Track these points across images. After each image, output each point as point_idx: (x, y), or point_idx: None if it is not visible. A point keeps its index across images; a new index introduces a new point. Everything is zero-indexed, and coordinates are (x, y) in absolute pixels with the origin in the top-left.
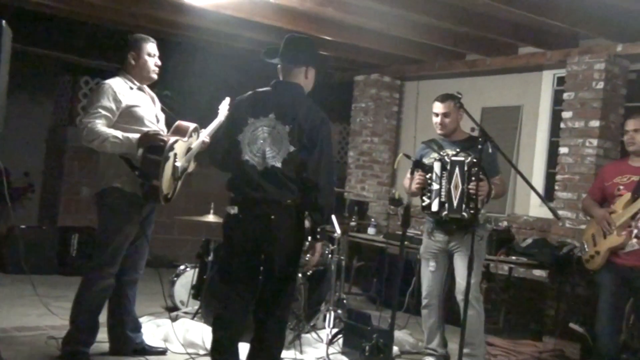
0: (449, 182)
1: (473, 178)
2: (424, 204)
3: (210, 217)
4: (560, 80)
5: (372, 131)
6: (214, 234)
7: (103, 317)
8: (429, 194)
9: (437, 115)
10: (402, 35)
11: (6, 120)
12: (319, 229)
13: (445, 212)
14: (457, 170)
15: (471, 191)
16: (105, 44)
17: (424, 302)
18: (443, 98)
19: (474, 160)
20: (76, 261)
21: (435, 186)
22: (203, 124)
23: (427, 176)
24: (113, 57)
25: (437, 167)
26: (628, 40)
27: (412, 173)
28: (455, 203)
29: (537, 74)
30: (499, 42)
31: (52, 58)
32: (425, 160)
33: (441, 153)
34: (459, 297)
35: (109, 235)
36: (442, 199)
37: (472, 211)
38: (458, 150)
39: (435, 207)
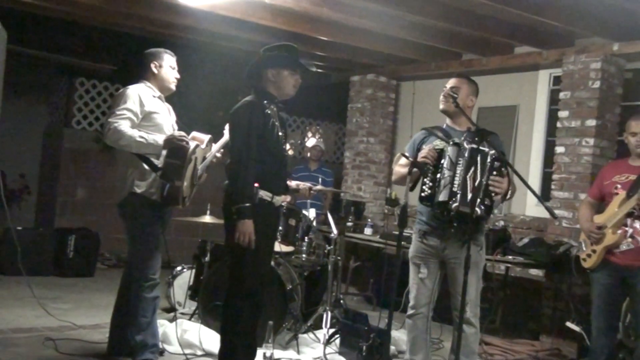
0: (466, 171)
1: (495, 172)
2: (423, 193)
3: (207, 218)
4: (557, 80)
5: (369, 131)
6: (211, 234)
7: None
8: (430, 183)
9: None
10: (398, 36)
11: (1, 122)
12: (234, 208)
13: (456, 204)
14: (478, 160)
15: (490, 187)
16: (101, 45)
17: (411, 311)
18: (457, 75)
19: (499, 154)
20: (73, 262)
21: (447, 173)
22: (199, 125)
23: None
24: (109, 58)
25: (451, 152)
26: (624, 39)
27: (409, 173)
28: (469, 195)
29: (533, 74)
30: (495, 42)
31: (47, 60)
32: (426, 147)
33: (454, 140)
34: (457, 313)
35: (139, 242)
36: (455, 189)
37: (485, 210)
38: (470, 139)
39: (444, 196)
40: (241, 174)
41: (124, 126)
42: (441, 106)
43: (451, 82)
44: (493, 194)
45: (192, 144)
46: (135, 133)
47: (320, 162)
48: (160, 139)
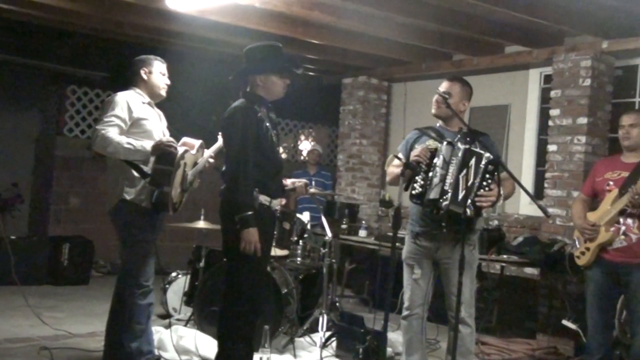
0: (459, 170)
1: (487, 176)
2: (414, 191)
3: (201, 224)
4: (547, 78)
5: (361, 133)
6: (205, 240)
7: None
8: (422, 182)
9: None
10: (388, 37)
11: None
12: (237, 218)
13: (446, 203)
14: (473, 161)
15: (477, 200)
16: (92, 52)
17: (405, 312)
18: (450, 78)
19: (494, 158)
20: (67, 271)
21: (440, 171)
22: (193, 131)
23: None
24: (100, 65)
25: (445, 151)
26: (613, 36)
27: (402, 174)
28: (460, 195)
29: (524, 73)
30: (485, 42)
31: (39, 68)
32: (419, 147)
33: (448, 140)
34: (452, 313)
35: (131, 250)
36: (446, 187)
37: (475, 210)
38: (463, 140)
39: (434, 194)
40: (240, 181)
41: (112, 133)
42: (433, 111)
43: (443, 86)
44: (478, 204)
45: (180, 150)
46: (123, 139)
47: (319, 165)
48: (148, 145)
